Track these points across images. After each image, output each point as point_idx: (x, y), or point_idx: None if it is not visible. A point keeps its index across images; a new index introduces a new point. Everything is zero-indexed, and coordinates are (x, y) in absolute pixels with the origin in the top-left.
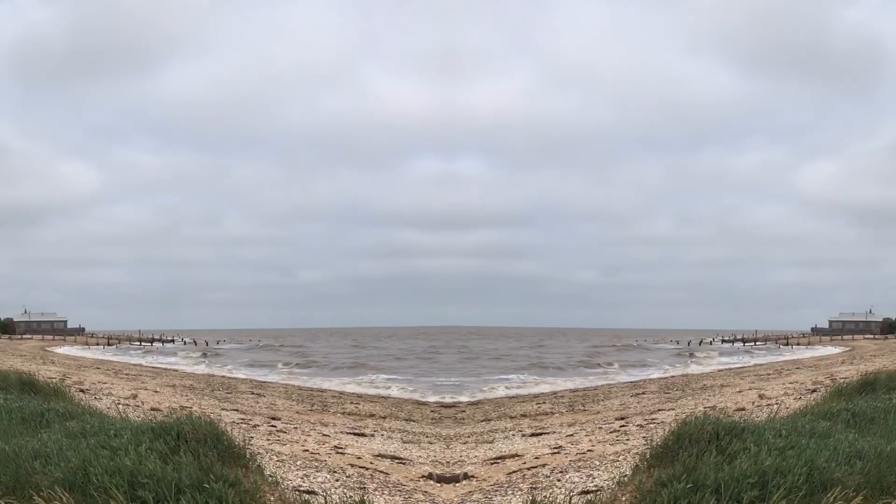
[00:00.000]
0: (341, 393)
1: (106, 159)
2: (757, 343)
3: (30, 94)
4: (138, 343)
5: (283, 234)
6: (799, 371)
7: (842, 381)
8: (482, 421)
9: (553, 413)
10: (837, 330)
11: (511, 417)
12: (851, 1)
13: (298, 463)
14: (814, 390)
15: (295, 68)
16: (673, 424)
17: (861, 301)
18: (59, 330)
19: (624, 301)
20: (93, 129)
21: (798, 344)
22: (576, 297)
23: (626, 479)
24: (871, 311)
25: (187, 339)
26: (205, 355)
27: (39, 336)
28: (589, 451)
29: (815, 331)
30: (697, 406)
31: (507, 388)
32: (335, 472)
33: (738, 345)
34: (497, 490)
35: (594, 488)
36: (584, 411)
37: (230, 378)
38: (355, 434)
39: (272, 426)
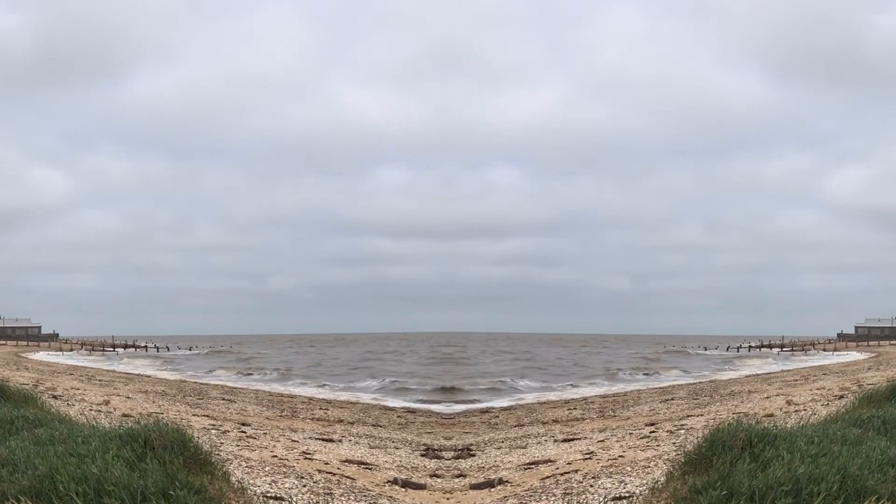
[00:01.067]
0: (311, 399)
1: (75, 165)
2: (784, 349)
3: None
4: (112, 349)
5: (252, 241)
6: (826, 377)
7: (869, 387)
8: (515, 426)
9: (584, 419)
10: (863, 336)
11: (543, 423)
12: (883, 7)
13: (267, 469)
14: (841, 396)
15: (261, 77)
16: (703, 431)
17: (889, 307)
18: (32, 336)
19: (652, 308)
20: (62, 136)
21: (824, 350)
22: (605, 304)
23: (659, 485)
24: None
25: (160, 346)
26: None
27: (13, 342)
28: (620, 456)
29: (841, 337)
30: (727, 412)
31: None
32: (303, 477)
33: (765, 350)
34: (531, 495)
35: (626, 494)
36: (615, 417)
37: (202, 384)
38: (323, 440)
39: (242, 432)
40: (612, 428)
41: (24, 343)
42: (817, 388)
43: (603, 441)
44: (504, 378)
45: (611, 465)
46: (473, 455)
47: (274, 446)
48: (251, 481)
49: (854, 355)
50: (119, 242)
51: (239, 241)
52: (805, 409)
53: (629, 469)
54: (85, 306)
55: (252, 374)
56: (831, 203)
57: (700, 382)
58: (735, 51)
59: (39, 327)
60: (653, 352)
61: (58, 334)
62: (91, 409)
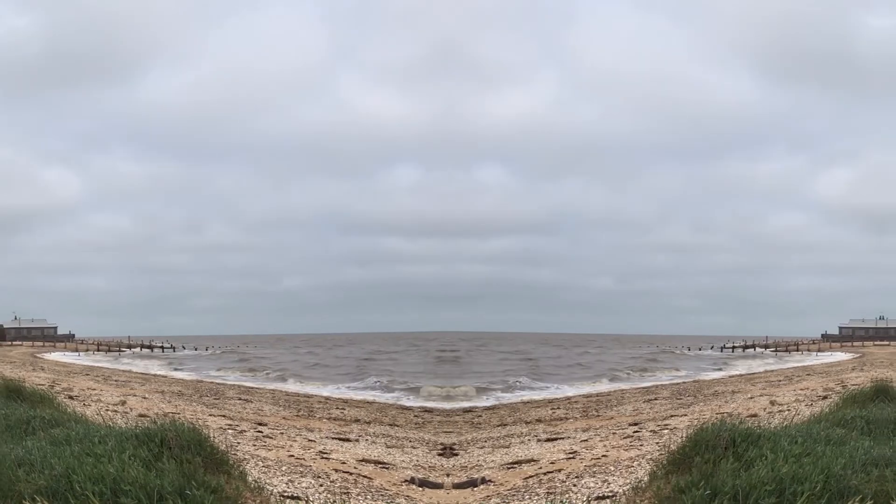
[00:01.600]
0: (327, 398)
1: (86, 167)
2: (768, 349)
3: (8, 102)
4: (128, 349)
5: (264, 241)
6: (810, 377)
7: (853, 387)
8: (499, 426)
9: (567, 418)
10: (847, 336)
11: (526, 422)
12: (875, 8)
13: (284, 468)
14: (825, 397)
15: (272, 77)
16: (686, 430)
17: (877, 308)
18: (48, 336)
19: (638, 308)
20: (72, 137)
21: (808, 350)
22: (591, 304)
23: (643, 484)
24: (881, 318)
25: (175, 346)
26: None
27: (30, 342)
28: (603, 456)
29: (826, 337)
30: (711, 412)
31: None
32: (319, 477)
33: (749, 350)
34: (514, 495)
35: (609, 494)
36: (598, 417)
37: (218, 384)
38: (340, 439)
39: (259, 432)
40: (595, 428)
41: (41, 343)
42: (801, 389)
43: (586, 441)
44: (506, 378)
45: (594, 465)
46: (456, 454)
47: (290, 446)
48: (268, 481)
49: (839, 356)
50: (131, 243)
51: (251, 242)
52: (789, 410)
53: (612, 469)
54: (98, 307)
55: (262, 375)
56: (820, 204)
57: (684, 382)
58: (725, 51)
59: (55, 328)
60: (648, 352)
61: (73, 335)
62: (107, 410)
